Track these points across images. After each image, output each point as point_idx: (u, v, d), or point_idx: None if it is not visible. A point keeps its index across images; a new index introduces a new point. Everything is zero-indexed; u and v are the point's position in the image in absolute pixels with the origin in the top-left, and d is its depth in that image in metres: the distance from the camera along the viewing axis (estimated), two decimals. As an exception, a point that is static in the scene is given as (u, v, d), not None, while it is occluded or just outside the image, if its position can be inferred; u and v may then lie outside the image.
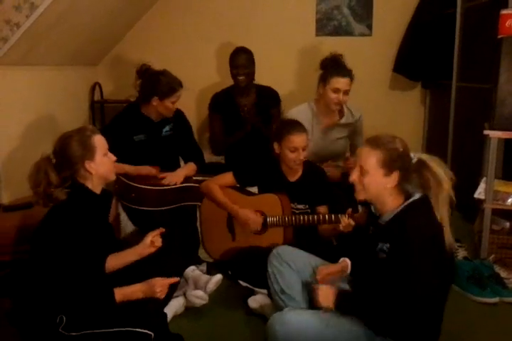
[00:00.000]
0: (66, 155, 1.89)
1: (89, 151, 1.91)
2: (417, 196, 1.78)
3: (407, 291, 1.65)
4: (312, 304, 2.06)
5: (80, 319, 1.77)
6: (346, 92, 2.93)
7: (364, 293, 1.83)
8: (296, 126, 2.62)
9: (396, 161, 1.75)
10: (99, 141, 1.96)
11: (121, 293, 1.84)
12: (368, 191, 1.80)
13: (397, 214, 1.77)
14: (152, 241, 2.11)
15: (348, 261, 2.08)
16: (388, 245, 1.76)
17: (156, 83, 2.80)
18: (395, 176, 1.76)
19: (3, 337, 2.06)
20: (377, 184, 1.77)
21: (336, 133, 3.07)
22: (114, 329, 1.76)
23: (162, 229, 2.16)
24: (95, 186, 1.96)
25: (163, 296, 1.93)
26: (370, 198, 1.84)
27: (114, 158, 2.02)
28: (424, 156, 1.77)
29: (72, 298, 1.76)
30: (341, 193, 2.77)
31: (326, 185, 2.75)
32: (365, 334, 1.77)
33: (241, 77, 3.41)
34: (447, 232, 1.73)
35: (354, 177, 1.82)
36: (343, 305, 1.81)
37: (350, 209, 2.37)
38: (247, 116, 3.44)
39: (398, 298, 1.66)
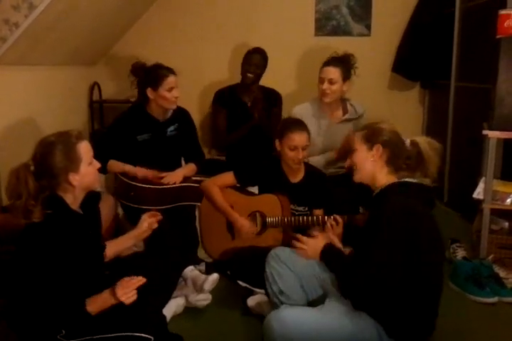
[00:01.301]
0: (47, 165, 1.71)
1: (73, 163, 1.74)
2: (407, 179, 1.90)
3: (368, 255, 1.73)
4: (310, 303, 2.08)
5: (69, 330, 1.70)
6: (330, 81, 2.94)
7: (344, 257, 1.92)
8: (298, 124, 2.62)
9: (375, 135, 1.92)
10: (85, 149, 1.78)
11: (92, 305, 1.70)
12: (360, 169, 1.95)
13: (383, 190, 1.90)
14: (149, 224, 2.12)
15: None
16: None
17: (147, 74, 2.82)
18: (377, 149, 1.91)
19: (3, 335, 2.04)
20: (363, 158, 1.94)
21: (341, 130, 3.05)
22: (115, 335, 1.72)
23: (159, 216, 2.18)
24: (76, 197, 1.81)
25: (129, 301, 1.69)
26: (366, 176, 1.95)
27: (98, 165, 1.86)
28: (419, 139, 1.92)
29: (44, 315, 1.66)
30: (344, 198, 2.75)
31: (326, 188, 2.75)
32: (363, 327, 1.78)
33: (250, 75, 3.49)
34: None
35: (348, 161, 2.02)
36: (327, 260, 1.87)
37: (335, 215, 2.30)
38: (253, 110, 3.45)
39: (361, 261, 1.75)
